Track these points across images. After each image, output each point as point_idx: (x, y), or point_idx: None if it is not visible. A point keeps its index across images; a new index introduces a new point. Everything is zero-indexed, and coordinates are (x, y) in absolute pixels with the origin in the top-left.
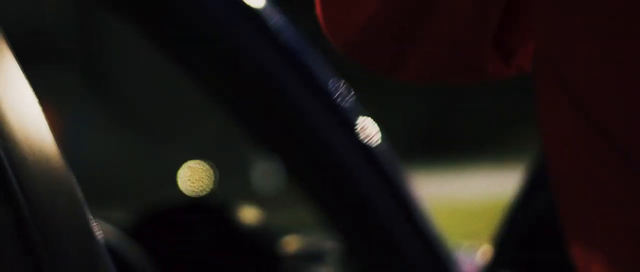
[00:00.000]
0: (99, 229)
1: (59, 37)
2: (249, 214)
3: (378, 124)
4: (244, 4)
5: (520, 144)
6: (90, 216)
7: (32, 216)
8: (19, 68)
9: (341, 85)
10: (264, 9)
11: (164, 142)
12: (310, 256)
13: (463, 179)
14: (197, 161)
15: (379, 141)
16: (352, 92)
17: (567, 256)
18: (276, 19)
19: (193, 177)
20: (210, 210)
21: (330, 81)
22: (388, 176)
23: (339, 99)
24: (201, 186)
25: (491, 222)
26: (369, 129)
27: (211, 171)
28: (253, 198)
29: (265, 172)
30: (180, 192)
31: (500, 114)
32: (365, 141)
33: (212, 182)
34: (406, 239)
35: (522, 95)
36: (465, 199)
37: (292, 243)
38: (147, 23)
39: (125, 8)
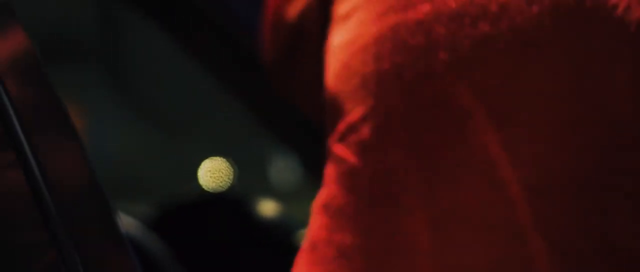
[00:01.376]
0: (122, 222)
1: (81, 35)
2: (267, 208)
3: None
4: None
5: None
6: (114, 210)
7: (57, 211)
8: (43, 66)
9: None
10: None
11: (185, 138)
12: None
13: None
14: (217, 157)
15: None
16: None
17: None
18: None
19: (213, 173)
20: (231, 204)
21: None
22: None
23: None
24: (221, 181)
25: None
26: None
27: (230, 167)
28: (271, 193)
29: (283, 168)
30: (200, 187)
31: None
32: None
33: (231, 177)
34: None
35: None
36: None
37: None
38: (170, 22)
39: (149, 6)
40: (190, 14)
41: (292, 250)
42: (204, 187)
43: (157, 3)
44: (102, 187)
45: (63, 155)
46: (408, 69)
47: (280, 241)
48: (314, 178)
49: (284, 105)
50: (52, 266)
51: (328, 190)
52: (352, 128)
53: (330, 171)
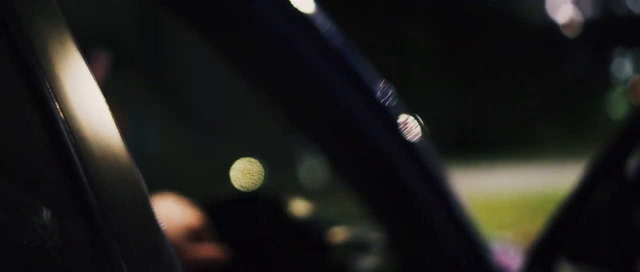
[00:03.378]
0: (162, 220)
1: (122, 39)
2: (299, 207)
3: (419, 122)
4: (299, 12)
5: (544, 143)
6: (154, 207)
7: (100, 208)
8: (88, 68)
9: (385, 86)
10: (317, 17)
11: (219, 140)
12: (356, 246)
13: (493, 174)
14: (249, 158)
15: (420, 138)
16: (395, 93)
17: (624, 246)
18: (327, 27)
19: (245, 173)
20: (265, 203)
21: (376, 83)
22: (428, 171)
23: (383, 99)
24: (253, 181)
25: (519, 215)
26: (411, 127)
27: (262, 167)
28: (302, 192)
29: (314, 168)
30: (232, 186)
31: (525, 115)
32: (408, 137)
33: (263, 177)
34: (445, 229)
35: (544, 99)
36: (495, 193)
37: (339, 234)
38: (207, 29)
39: (186, 12)
40: (225, 20)
41: (323, 247)
42: (236, 186)
43: (194, 10)
44: (144, 185)
45: (106, 155)
46: None
47: (312, 238)
48: (341, 178)
49: (313, 109)
50: (96, 260)
51: None
52: None
53: None
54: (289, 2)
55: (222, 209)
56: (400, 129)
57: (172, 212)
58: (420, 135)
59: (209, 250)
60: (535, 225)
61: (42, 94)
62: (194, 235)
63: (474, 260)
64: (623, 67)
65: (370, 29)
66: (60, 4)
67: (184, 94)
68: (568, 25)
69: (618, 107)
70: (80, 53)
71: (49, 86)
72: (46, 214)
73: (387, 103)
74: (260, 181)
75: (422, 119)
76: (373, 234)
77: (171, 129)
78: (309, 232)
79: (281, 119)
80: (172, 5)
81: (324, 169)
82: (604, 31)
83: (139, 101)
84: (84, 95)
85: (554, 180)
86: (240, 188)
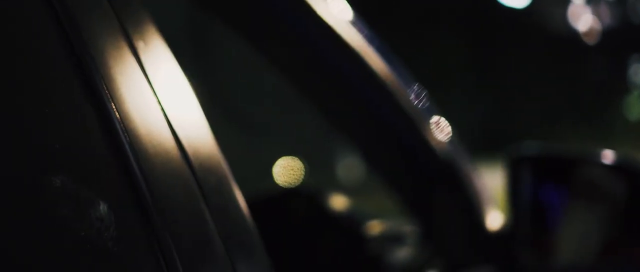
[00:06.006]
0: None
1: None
2: (338, 202)
3: (449, 122)
4: (339, 20)
5: (565, 142)
6: (203, 201)
7: (153, 202)
8: (143, 71)
9: (419, 88)
10: (356, 24)
11: (263, 139)
12: (391, 238)
13: None
14: (290, 156)
15: (451, 137)
16: (428, 95)
17: None
18: (366, 32)
19: (287, 170)
20: (306, 198)
21: (410, 85)
22: (459, 168)
23: (417, 100)
24: (294, 177)
25: None
26: (442, 126)
27: (303, 165)
28: (340, 188)
29: (351, 165)
30: (275, 183)
31: (548, 116)
32: (439, 136)
33: (303, 174)
34: (474, 223)
35: (565, 101)
36: None
37: (375, 227)
38: (251, 35)
39: (232, 17)
40: (268, 26)
41: (360, 239)
42: (279, 182)
43: (240, 15)
44: (194, 181)
45: (159, 152)
46: None
47: (350, 231)
48: (376, 175)
49: (351, 110)
50: (150, 250)
51: None
52: None
53: None
54: (329, 10)
55: (266, 203)
56: (432, 128)
57: None
58: (450, 135)
59: None
60: None
61: (98, 95)
62: None
63: (499, 251)
64: (639, 72)
65: (405, 36)
66: (111, 3)
67: (229, 95)
68: (588, 33)
69: (634, 109)
70: (134, 54)
71: (105, 87)
72: (103, 207)
73: (420, 104)
74: (301, 178)
75: (452, 120)
76: (407, 227)
77: (217, 129)
78: (347, 225)
79: (321, 119)
80: (217, 10)
81: (360, 166)
82: (622, 39)
83: None
84: (138, 95)
85: None
86: (282, 184)
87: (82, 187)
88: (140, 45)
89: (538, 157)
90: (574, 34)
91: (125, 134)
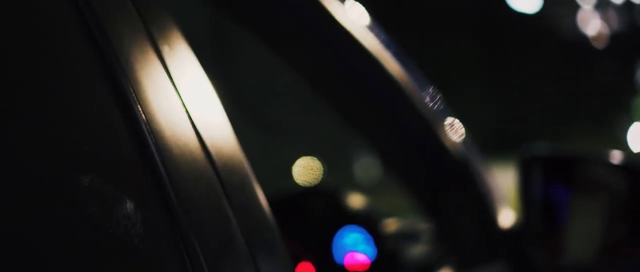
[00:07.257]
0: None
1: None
2: (355, 201)
3: (463, 124)
4: (356, 24)
5: (574, 142)
6: (226, 200)
7: (178, 201)
8: (168, 74)
9: (434, 91)
10: (373, 28)
11: (282, 139)
12: (406, 236)
13: None
14: (310, 157)
15: (464, 138)
16: (442, 97)
17: None
18: (383, 37)
19: (306, 170)
20: (324, 197)
21: (425, 88)
22: (472, 167)
23: (432, 103)
24: (313, 177)
25: None
26: (456, 128)
27: (321, 165)
28: (358, 187)
29: (368, 165)
30: (295, 182)
31: (557, 118)
32: (453, 137)
33: (322, 174)
34: (487, 221)
35: (575, 103)
36: None
37: (391, 225)
38: (271, 38)
39: (252, 21)
40: (287, 29)
41: (377, 236)
42: (298, 182)
43: (261, 20)
44: (217, 181)
45: (183, 152)
46: None
47: (366, 228)
48: (392, 175)
49: (368, 111)
50: (175, 247)
51: None
52: None
53: None
54: (348, 16)
55: (284, 202)
56: (446, 129)
57: None
58: (463, 135)
59: None
60: None
61: (125, 98)
62: None
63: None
64: None
65: (419, 41)
66: (136, 7)
67: (251, 98)
68: (597, 37)
69: None
70: (159, 58)
71: (132, 90)
72: (130, 205)
73: (434, 106)
74: (320, 177)
75: (466, 121)
76: (422, 225)
77: (239, 130)
78: (364, 223)
79: (340, 121)
80: (238, 16)
81: (377, 166)
82: (629, 43)
83: None
84: (163, 98)
85: None
86: (302, 183)
87: (109, 186)
88: (165, 49)
89: (549, 158)
90: (583, 38)
91: (151, 135)
